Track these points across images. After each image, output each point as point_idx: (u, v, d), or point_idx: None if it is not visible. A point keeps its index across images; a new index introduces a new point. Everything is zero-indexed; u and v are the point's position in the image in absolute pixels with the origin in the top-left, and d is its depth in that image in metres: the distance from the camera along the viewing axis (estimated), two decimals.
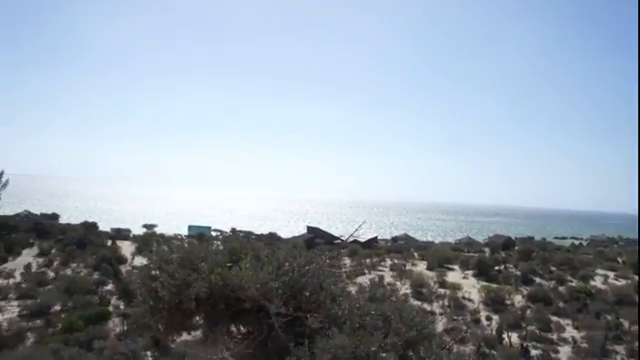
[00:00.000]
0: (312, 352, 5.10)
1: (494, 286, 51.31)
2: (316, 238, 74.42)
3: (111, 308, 42.33)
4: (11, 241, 57.06)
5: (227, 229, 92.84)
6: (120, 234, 71.31)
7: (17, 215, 71.40)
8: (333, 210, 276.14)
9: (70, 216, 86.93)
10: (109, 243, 62.23)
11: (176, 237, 72.50)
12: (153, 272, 6.10)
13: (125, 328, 37.92)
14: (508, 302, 47.54)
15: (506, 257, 70.11)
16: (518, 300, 48.39)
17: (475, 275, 57.97)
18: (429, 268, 59.93)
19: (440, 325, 36.74)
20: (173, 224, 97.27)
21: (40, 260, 54.34)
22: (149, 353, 31.76)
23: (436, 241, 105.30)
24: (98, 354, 30.63)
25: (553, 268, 61.79)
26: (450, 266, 62.44)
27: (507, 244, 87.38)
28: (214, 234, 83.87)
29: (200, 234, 76.02)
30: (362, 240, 70.54)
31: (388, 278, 53.74)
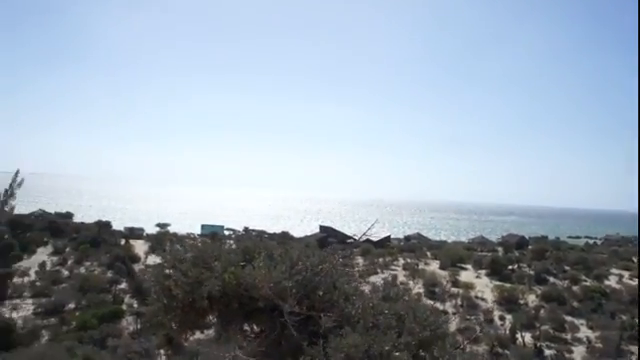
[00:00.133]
0: (326, 351, 5.10)
1: (507, 285, 51.17)
2: (329, 237, 74.49)
3: (124, 306, 42.60)
4: (26, 240, 57.49)
5: (240, 228, 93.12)
6: (134, 233, 71.70)
7: (32, 214, 71.97)
8: (346, 209, 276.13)
9: (84, 215, 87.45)
10: (123, 242, 62.55)
11: (189, 236, 72.75)
12: (167, 271, 6.11)
13: (138, 326, 38.12)
14: (521, 302, 47.37)
15: (519, 256, 69.83)
16: (532, 300, 48.20)
17: (488, 274, 57.76)
18: (442, 267, 59.78)
19: (453, 325, 36.67)
20: (186, 223, 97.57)
21: (54, 258, 54.75)
22: (162, 351, 31.91)
23: (449, 240, 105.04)
24: (112, 352, 30.83)
25: (567, 267, 61.43)
26: (463, 265, 62.26)
27: (520, 243, 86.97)
28: (227, 233, 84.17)
29: (213, 233, 76.28)
30: (375, 239, 70.44)
31: (401, 277, 53.66)
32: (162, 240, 64.51)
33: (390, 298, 6.30)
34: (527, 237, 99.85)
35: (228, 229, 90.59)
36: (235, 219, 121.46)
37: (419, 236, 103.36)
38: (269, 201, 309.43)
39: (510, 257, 68.05)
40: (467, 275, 56.80)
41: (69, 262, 53.65)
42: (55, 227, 64.64)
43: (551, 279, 56.80)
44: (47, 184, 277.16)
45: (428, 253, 72.01)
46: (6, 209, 72.62)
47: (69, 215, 79.10)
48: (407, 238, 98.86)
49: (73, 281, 47.40)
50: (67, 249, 57.73)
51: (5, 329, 34.31)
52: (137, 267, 52.13)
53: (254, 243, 6.41)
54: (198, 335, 6.91)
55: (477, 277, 56.66)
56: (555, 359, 35.23)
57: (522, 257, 69.35)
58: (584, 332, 40.16)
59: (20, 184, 75.75)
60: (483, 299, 48.20)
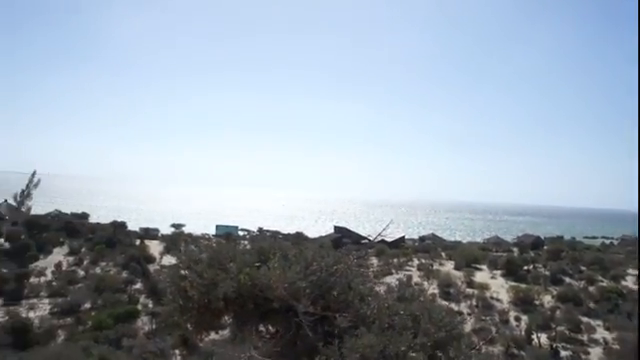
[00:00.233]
0: (341, 352, 5.10)
1: (523, 286, 50.86)
2: (343, 238, 74.47)
3: (140, 307, 42.82)
4: (42, 240, 57.98)
5: (254, 228, 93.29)
6: (149, 233, 72.04)
7: (48, 214, 72.56)
8: (360, 210, 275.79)
9: (100, 216, 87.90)
10: (138, 242, 62.88)
11: (204, 237, 72.98)
12: (182, 272, 6.14)
13: (154, 326, 38.30)
14: (537, 302, 47.08)
15: (535, 257, 69.40)
16: (547, 300, 47.89)
17: (503, 275, 57.42)
18: (457, 268, 59.52)
19: (468, 325, 36.54)
20: (200, 224, 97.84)
21: (70, 259, 55.13)
22: (177, 351, 32.04)
23: (464, 241, 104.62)
24: (127, 352, 31.00)
25: (583, 268, 60.93)
26: (478, 266, 61.93)
27: (536, 243, 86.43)
28: (241, 234, 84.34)
29: (227, 234, 76.49)
30: (389, 240, 70.31)
31: (415, 278, 53.53)
32: (177, 240, 64.76)
33: (405, 299, 6.30)
34: (542, 237, 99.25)
35: (242, 229, 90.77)
36: (249, 219, 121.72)
37: (433, 236, 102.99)
38: (283, 201, 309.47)
39: (525, 257, 67.66)
40: (482, 276, 56.52)
41: (85, 262, 54.01)
42: (71, 227, 65.09)
43: (567, 279, 56.40)
44: (62, 185, 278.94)
45: (443, 254, 71.72)
46: (23, 209, 73.56)
47: (85, 215, 79.66)
48: (422, 239, 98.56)
49: (89, 281, 47.73)
50: (83, 249, 58.08)
51: (22, 329, 34.64)
52: (152, 267, 52.40)
53: (269, 244, 6.42)
54: (213, 335, 6.93)
55: (492, 278, 56.37)
56: None
57: (538, 257, 68.91)
58: (601, 333, 39.83)
59: (36, 185, 77.03)
60: (498, 300, 47.96)
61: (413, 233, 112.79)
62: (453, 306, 42.99)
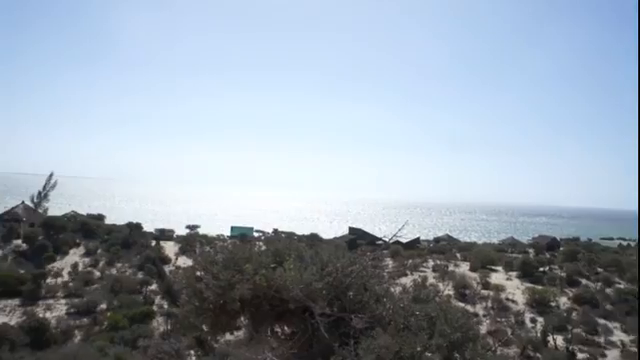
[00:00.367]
0: (357, 352, 5.11)
1: (539, 287, 50.52)
2: (358, 239, 74.28)
3: (155, 307, 43.06)
4: (59, 241, 58.41)
5: (269, 230, 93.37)
6: (164, 235, 72.27)
7: (64, 215, 73.06)
8: (375, 211, 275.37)
9: (117, 217, 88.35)
10: (153, 243, 63.13)
11: (219, 238, 73.15)
12: (198, 273, 6.17)
13: (169, 327, 38.48)
14: (553, 304, 46.79)
15: (551, 258, 68.98)
16: (563, 302, 47.59)
17: (519, 276, 57.03)
18: (472, 269, 59.22)
19: (483, 327, 36.40)
20: (215, 225, 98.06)
21: (86, 260, 55.47)
22: (192, 352, 32.15)
23: (479, 242, 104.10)
24: (143, 352, 31.14)
25: (600, 269, 60.38)
26: (493, 267, 61.55)
27: (552, 245, 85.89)
28: (256, 235, 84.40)
29: (242, 235, 76.62)
30: (404, 241, 70.11)
31: (430, 279, 53.34)
32: (192, 242, 64.96)
33: (421, 299, 6.30)
34: (558, 239, 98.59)
35: (257, 231, 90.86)
36: (264, 220, 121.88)
37: (448, 237, 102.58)
38: (298, 202, 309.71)
39: (541, 259, 67.26)
40: (498, 277, 56.21)
41: (101, 263, 54.32)
42: (87, 229, 65.49)
43: (583, 281, 55.92)
44: (77, 186, 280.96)
45: (458, 255, 71.46)
46: (40, 211, 74.18)
47: (101, 217, 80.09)
48: (436, 240, 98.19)
49: (105, 282, 48.03)
50: (99, 250, 58.41)
51: (39, 329, 34.97)
52: (167, 268, 52.64)
53: (285, 245, 6.44)
54: (227, 336, 6.96)
55: (508, 279, 56.05)
56: None
57: (553, 259, 68.49)
58: (618, 335, 39.51)
59: (53, 186, 77.61)
60: (514, 301, 47.71)
61: (429, 234, 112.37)
62: (468, 308, 42.78)
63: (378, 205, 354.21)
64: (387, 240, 11.13)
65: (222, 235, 79.63)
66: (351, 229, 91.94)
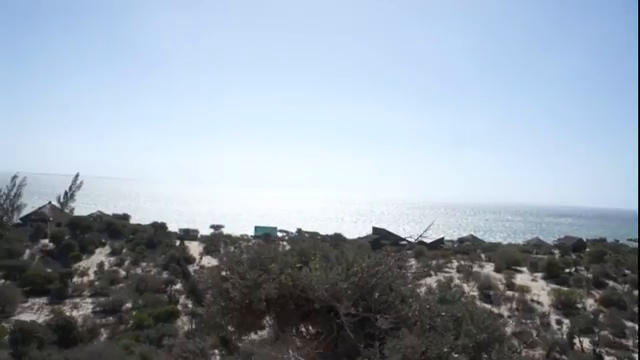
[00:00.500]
0: (382, 353, 5.09)
1: (564, 289, 50.01)
2: (382, 239, 74.07)
3: (180, 307, 43.43)
4: (85, 240, 59.13)
5: (292, 229, 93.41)
6: (188, 234, 72.73)
7: (90, 215, 73.91)
8: (399, 211, 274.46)
9: (142, 217, 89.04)
10: (178, 243, 63.60)
11: (242, 238, 73.44)
12: (224, 273, 6.19)
13: (193, 326, 38.77)
14: (579, 306, 46.32)
15: (577, 259, 68.14)
16: (590, 304, 47.06)
17: (544, 277, 56.46)
18: (497, 270, 58.77)
19: (508, 328, 36.10)
20: (239, 225, 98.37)
21: (112, 259, 56.10)
22: (217, 351, 32.35)
23: (504, 242, 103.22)
24: (167, 351, 31.42)
25: (627, 271, 59.49)
26: (518, 268, 61.00)
27: (578, 246, 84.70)
28: (280, 235, 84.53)
29: (266, 235, 76.85)
30: (428, 241, 69.80)
31: (455, 280, 53.05)
32: (216, 242, 65.33)
33: (447, 300, 6.27)
34: (585, 239, 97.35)
35: (281, 230, 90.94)
36: (287, 220, 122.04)
37: (472, 238, 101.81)
38: (323, 202, 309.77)
39: (567, 260, 66.52)
40: (523, 278, 55.73)
41: (126, 263, 54.88)
42: (113, 228, 66.19)
43: (610, 283, 55.19)
44: (103, 186, 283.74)
45: (482, 255, 70.94)
46: (66, 211, 75.14)
47: (126, 217, 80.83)
48: (460, 240, 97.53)
49: (130, 281, 48.55)
50: (124, 250, 59.01)
51: (66, 327, 35.44)
52: (192, 268, 52.99)
53: (310, 245, 6.44)
54: (251, 336, 6.98)
55: (533, 280, 55.52)
56: None
57: (579, 260, 67.67)
58: None
59: (79, 186, 78.58)
60: (539, 303, 47.30)
61: (454, 235, 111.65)
62: (494, 309, 42.49)
63: (402, 205, 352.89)
64: (412, 240, 11.09)
65: (246, 235, 79.92)
66: (375, 229, 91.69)
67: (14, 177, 74.19)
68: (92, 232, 62.35)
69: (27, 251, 56.22)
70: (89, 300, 44.67)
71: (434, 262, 60.68)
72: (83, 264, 53.42)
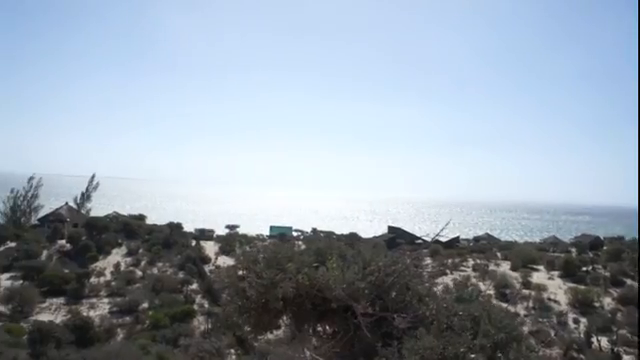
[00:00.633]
0: (400, 353, 5.08)
1: (582, 287, 49.61)
2: (397, 238, 73.92)
3: (196, 306, 43.60)
4: (102, 241, 59.49)
5: (307, 229, 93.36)
6: (204, 234, 72.93)
7: (107, 216, 74.37)
8: (415, 209, 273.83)
9: (158, 217, 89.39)
10: (193, 243, 63.81)
11: (258, 238, 73.57)
12: (240, 272, 6.20)
13: (209, 326, 38.91)
14: (597, 304, 45.93)
15: (594, 257, 67.55)
16: (607, 302, 46.66)
17: (561, 276, 56.03)
18: (513, 268, 58.42)
19: (525, 327, 35.91)
20: (255, 224, 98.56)
21: (128, 259, 56.40)
22: (233, 351, 32.45)
23: (520, 241, 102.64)
24: (184, 350, 31.58)
25: None
26: (535, 266, 60.59)
27: (595, 244, 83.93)
28: (295, 234, 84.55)
29: (281, 234, 76.91)
30: (444, 240, 69.54)
31: (471, 279, 52.83)
32: (232, 241, 65.47)
33: (464, 299, 6.23)
34: (602, 237, 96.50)
35: (296, 230, 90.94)
36: (303, 220, 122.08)
37: (488, 236, 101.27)
38: (338, 202, 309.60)
39: (584, 258, 65.93)
40: (539, 276, 55.31)
41: (142, 263, 55.14)
42: (129, 229, 66.51)
43: (628, 281, 54.64)
44: (118, 187, 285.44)
45: (498, 254, 70.52)
46: (83, 211, 75.72)
47: (142, 217, 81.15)
48: (476, 239, 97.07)
49: (146, 281, 48.81)
50: (140, 250, 59.28)
51: (83, 327, 35.69)
52: (207, 268, 53.18)
53: (326, 244, 6.43)
54: (267, 335, 6.98)
55: (550, 278, 55.12)
56: None
57: (597, 258, 67.07)
58: None
59: (96, 187, 79.19)
60: (556, 301, 46.97)
61: (469, 233, 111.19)
62: (510, 308, 42.25)
63: (418, 204, 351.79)
64: (428, 239, 11.06)
65: (261, 235, 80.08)
66: (390, 228, 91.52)
67: (31, 178, 74.95)
68: (109, 232, 62.68)
69: (45, 252, 56.67)
70: (106, 300, 44.97)
71: (450, 261, 60.46)
72: (100, 264, 53.78)
